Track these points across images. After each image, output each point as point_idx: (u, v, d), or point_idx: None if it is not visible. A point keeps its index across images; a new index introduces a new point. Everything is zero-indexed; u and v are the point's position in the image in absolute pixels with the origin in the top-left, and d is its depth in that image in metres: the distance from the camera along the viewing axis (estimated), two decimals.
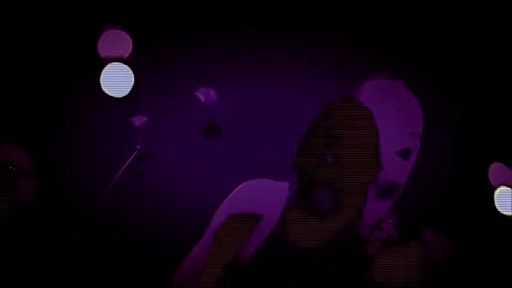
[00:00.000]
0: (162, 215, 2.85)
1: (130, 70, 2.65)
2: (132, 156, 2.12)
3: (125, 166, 2.10)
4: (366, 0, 2.78)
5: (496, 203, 2.88)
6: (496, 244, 2.72)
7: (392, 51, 2.75)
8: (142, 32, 2.77)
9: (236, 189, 1.73)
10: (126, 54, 2.67)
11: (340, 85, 2.74)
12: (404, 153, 1.68)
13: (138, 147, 2.10)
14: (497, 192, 2.89)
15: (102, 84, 2.64)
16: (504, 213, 2.85)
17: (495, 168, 2.89)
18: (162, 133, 2.35)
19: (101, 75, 2.64)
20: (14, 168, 2.11)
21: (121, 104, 2.68)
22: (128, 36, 2.68)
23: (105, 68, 2.64)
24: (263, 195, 1.68)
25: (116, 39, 2.68)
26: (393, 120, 1.76)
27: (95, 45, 2.68)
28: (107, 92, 2.65)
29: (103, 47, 2.66)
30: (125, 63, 2.66)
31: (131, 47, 2.68)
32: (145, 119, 2.17)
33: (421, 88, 1.91)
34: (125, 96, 2.66)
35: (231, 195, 1.73)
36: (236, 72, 2.83)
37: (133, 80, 2.65)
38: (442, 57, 2.78)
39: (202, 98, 2.21)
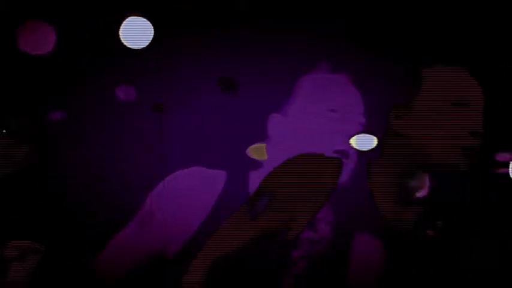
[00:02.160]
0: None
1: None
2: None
3: None
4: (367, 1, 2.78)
5: None
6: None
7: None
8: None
9: (168, 177, 1.69)
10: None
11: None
12: (341, 155, 1.62)
13: None
14: None
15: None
16: None
17: None
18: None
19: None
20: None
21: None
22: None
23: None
24: (195, 184, 1.64)
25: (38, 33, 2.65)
26: (328, 120, 1.70)
27: None
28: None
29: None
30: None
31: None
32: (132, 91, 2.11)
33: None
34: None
35: (162, 182, 1.69)
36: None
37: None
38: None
39: (121, 96, 2.18)
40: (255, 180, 1.68)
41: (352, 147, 1.70)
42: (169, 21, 2.80)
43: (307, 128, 1.69)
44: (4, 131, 2.47)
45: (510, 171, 2.91)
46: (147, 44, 2.62)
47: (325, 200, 1.34)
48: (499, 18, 2.64)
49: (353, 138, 2.19)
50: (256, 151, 2.59)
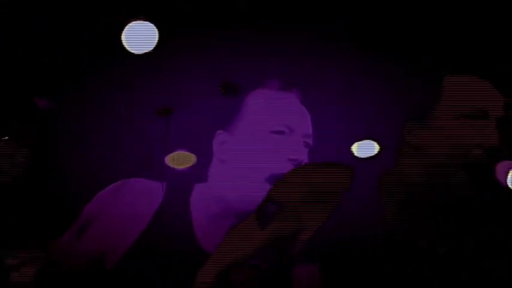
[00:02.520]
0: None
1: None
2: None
3: None
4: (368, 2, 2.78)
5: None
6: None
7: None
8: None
9: (115, 184, 1.68)
10: None
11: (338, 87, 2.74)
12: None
13: None
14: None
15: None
16: None
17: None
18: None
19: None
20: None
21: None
22: None
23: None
24: (135, 195, 1.64)
25: None
26: (272, 143, 1.67)
27: None
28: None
29: None
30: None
31: None
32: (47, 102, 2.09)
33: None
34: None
35: (108, 188, 1.68)
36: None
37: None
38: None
39: (40, 104, 2.17)
40: (196, 193, 1.68)
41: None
42: (170, 21, 2.80)
43: (250, 148, 1.67)
44: (6, 137, 2.47)
45: (509, 181, 2.92)
46: (152, 48, 2.63)
47: (333, 208, 1.33)
48: (498, 19, 2.64)
49: (354, 144, 2.16)
50: (177, 159, 2.61)
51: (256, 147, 1.67)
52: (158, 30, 2.73)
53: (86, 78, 2.88)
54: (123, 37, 2.64)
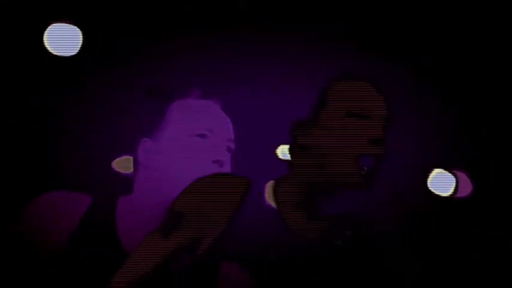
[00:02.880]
0: None
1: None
2: None
3: None
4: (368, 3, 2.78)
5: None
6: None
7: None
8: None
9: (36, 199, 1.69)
10: None
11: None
12: None
13: None
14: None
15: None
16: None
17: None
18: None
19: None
20: None
21: None
22: None
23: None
24: (56, 207, 1.65)
25: None
26: (195, 147, 1.70)
27: None
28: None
29: None
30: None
31: None
32: None
33: None
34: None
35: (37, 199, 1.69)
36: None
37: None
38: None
39: None
40: (122, 205, 1.70)
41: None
42: (170, 21, 2.80)
43: (175, 153, 1.70)
44: None
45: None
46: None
47: (231, 219, 1.41)
48: (498, 19, 2.64)
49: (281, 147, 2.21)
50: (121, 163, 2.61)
51: (180, 152, 1.69)
52: (158, 30, 2.74)
53: (86, 78, 2.88)
54: (46, 39, 2.67)
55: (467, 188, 2.97)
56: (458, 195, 2.96)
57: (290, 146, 1.50)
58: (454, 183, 2.97)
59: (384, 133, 1.46)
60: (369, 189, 1.45)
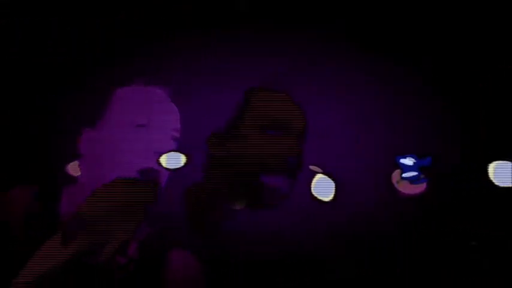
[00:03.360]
0: None
1: None
2: None
3: None
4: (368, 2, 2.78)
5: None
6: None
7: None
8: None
9: None
10: None
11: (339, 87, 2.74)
12: (147, 173, 1.62)
13: None
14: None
15: None
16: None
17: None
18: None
19: None
20: None
21: None
22: None
23: None
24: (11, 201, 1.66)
25: None
26: (139, 136, 1.69)
27: None
28: None
29: None
30: None
31: None
32: None
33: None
34: None
35: None
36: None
37: None
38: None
39: None
40: (66, 195, 1.69)
41: (161, 166, 1.70)
42: (170, 21, 2.80)
43: (116, 145, 1.69)
44: None
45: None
46: None
47: (139, 223, 1.40)
48: (498, 19, 2.64)
49: (163, 156, 2.21)
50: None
51: (123, 142, 1.68)
52: (158, 30, 2.74)
53: (86, 78, 2.88)
54: None
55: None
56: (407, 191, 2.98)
57: (206, 155, 1.50)
58: (334, 189, 3.01)
59: (300, 144, 1.47)
60: (279, 205, 1.45)
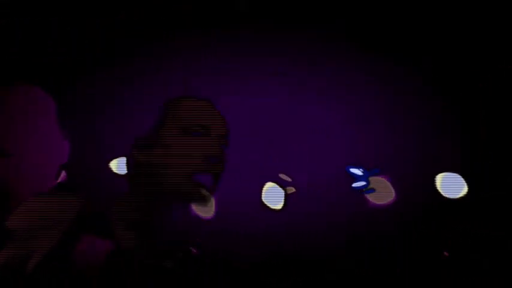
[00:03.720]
0: None
1: None
2: None
3: None
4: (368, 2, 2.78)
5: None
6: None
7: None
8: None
9: None
10: None
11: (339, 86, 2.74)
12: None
13: None
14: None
15: None
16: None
17: None
18: None
19: None
20: None
21: None
22: None
23: None
24: None
25: None
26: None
27: None
28: None
29: None
30: None
31: None
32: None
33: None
34: None
35: None
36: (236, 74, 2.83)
37: None
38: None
39: None
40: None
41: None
42: (170, 21, 2.80)
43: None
44: None
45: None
46: None
47: (60, 234, 1.42)
48: (498, 19, 2.64)
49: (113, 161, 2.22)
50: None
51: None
52: (158, 30, 2.74)
53: (86, 77, 2.88)
54: None
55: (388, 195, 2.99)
56: (380, 202, 2.99)
57: (128, 164, 1.50)
58: (283, 196, 3.03)
59: (221, 151, 1.47)
60: (207, 205, 1.46)
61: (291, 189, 3.01)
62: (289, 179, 2.93)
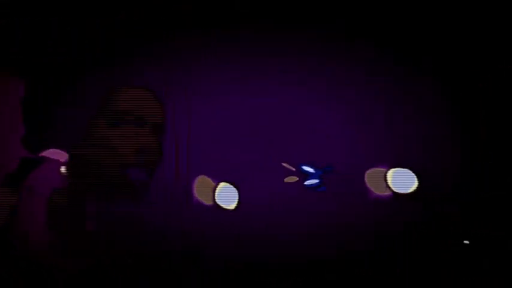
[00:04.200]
0: None
1: None
2: None
3: None
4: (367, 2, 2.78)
5: None
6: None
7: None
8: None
9: None
10: None
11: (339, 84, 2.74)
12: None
13: None
14: None
15: None
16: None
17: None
18: None
19: None
20: None
21: None
22: None
23: None
24: None
25: None
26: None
27: None
28: None
29: None
30: None
31: None
32: None
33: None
34: None
35: None
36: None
37: None
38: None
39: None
40: None
41: None
42: (170, 21, 2.80)
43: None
44: None
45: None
46: None
47: None
48: (498, 19, 2.64)
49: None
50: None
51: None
52: (158, 29, 2.74)
53: (86, 78, 2.88)
54: None
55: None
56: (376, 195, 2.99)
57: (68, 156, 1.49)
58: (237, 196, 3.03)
59: (155, 142, 1.45)
60: (141, 198, 1.43)
61: (294, 178, 2.99)
62: (292, 168, 2.92)
